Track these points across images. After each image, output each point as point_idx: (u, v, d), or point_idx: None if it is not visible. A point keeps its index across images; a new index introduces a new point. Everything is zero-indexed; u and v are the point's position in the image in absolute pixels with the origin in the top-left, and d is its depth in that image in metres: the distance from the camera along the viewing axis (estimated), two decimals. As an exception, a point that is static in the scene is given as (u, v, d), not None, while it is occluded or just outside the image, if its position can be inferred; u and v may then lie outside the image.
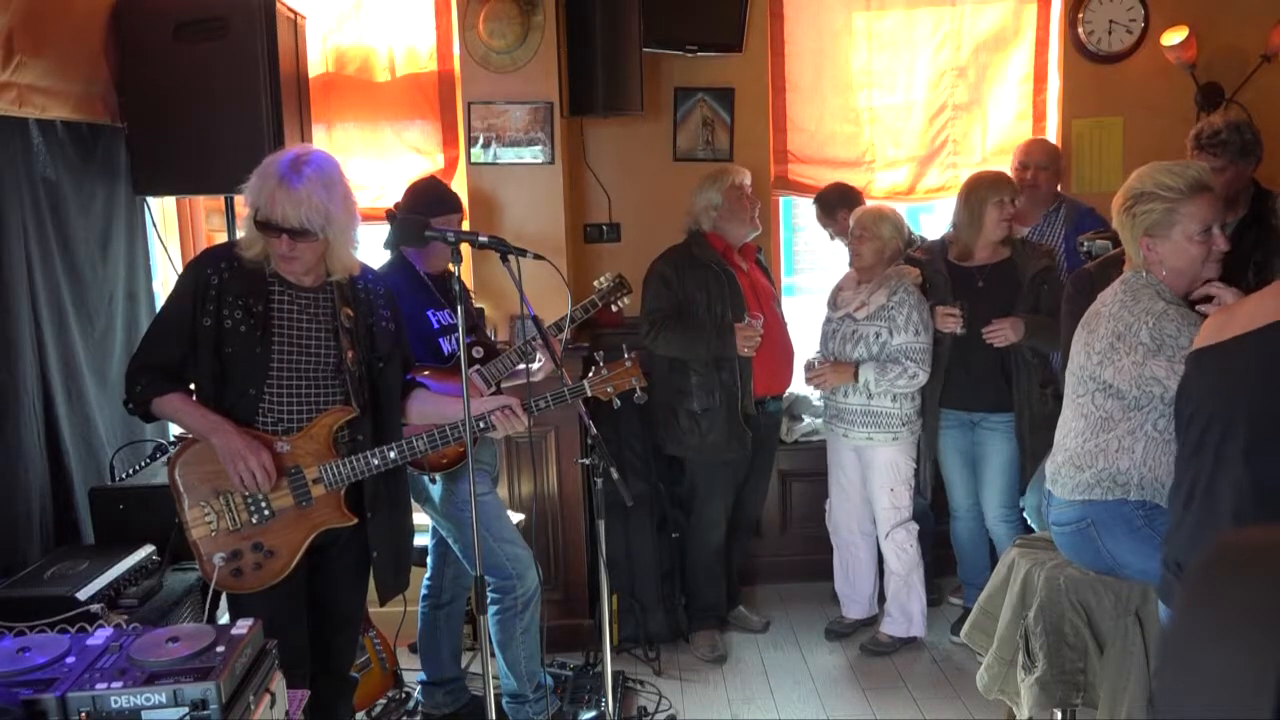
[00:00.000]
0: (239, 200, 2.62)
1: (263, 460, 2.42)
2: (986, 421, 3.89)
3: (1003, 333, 3.71)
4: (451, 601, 3.52)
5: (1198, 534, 2.03)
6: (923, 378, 3.83)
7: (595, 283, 3.59)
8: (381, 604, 2.79)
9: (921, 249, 4.05)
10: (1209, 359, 2.05)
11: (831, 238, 4.44)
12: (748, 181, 3.98)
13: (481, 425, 2.61)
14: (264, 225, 2.43)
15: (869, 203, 4.32)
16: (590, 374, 2.80)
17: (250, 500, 2.47)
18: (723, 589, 4.22)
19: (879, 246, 3.88)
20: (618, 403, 2.81)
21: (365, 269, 2.70)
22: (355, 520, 2.57)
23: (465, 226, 3.71)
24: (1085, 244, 3.50)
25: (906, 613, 4.02)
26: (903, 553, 3.97)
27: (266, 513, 2.48)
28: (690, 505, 4.14)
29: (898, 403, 3.88)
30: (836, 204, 4.35)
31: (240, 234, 2.59)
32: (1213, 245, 2.47)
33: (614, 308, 3.60)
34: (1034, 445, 3.74)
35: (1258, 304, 2.01)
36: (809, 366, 4.03)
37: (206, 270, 2.51)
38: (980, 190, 3.82)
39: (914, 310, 3.81)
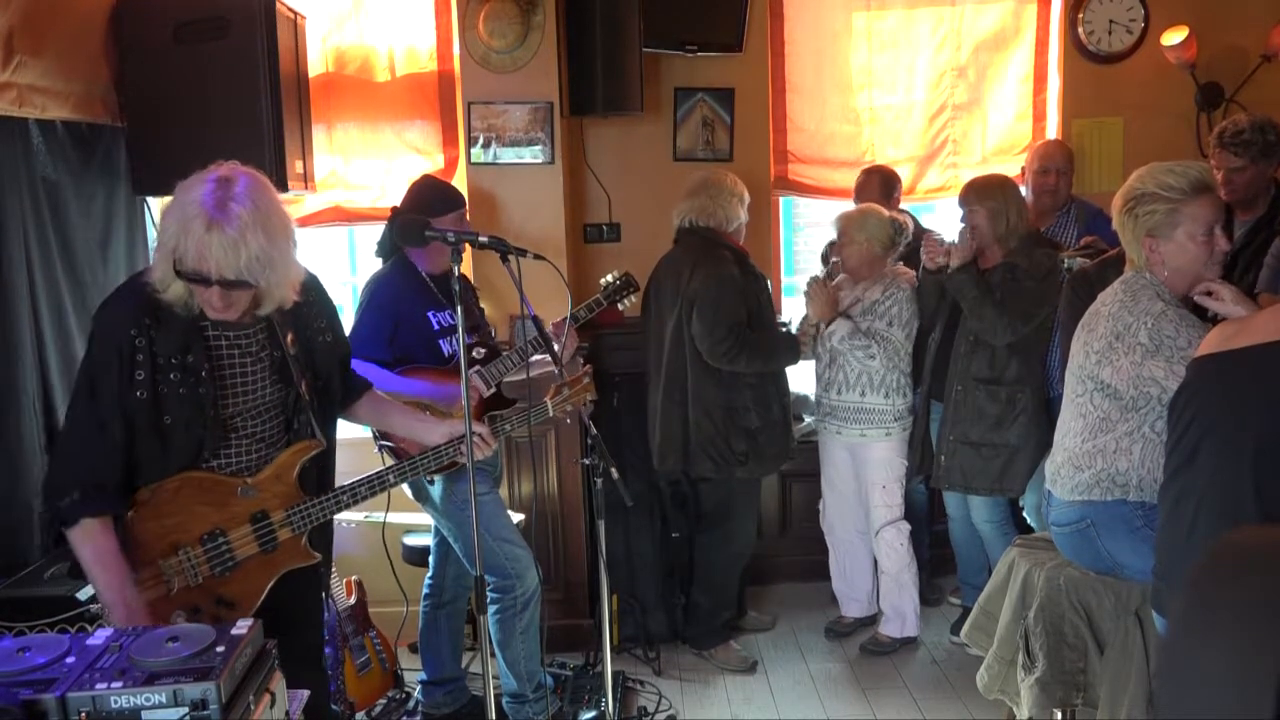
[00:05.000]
0: None
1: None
2: None
3: (936, 250, 3.70)
4: (453, 600, 3.52)
5: (1189, 542, 2.02)
6: (876, 365, 3.84)
7: (602, 280, 3.51)
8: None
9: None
10: (1215, 366, 2.04)
11: None
12: None
13: (450, 453, 2.56)
14: (192, 277, 2.04)
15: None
16: (552, 393, 2.76)
17: (212, 551, 2.22)
18: (735, 599, 4.21)
19: (857, 250, 3.91)
20: (568, 421, 2.78)
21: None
22: (318, 558, 2.36)
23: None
24: (1066, 261, 3.51)
25: (900, 612, 4.02)
26: (892, 552, 3.97)
27: (230, 563, 2.24)
28: (716, 520, 4.02)
29: (889, 399, 3.90)
30: (894, 184, 4.37)
31: (154, 271, 2.12)
32: (1215, 245, 2.46)
33: (620, 306, 3.58)
34: (949, 433, 3.74)
35: (1273, 316, 2.00)
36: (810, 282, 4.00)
37: (129, 331, 2.09)
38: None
39: (897, 305, 3.87)
